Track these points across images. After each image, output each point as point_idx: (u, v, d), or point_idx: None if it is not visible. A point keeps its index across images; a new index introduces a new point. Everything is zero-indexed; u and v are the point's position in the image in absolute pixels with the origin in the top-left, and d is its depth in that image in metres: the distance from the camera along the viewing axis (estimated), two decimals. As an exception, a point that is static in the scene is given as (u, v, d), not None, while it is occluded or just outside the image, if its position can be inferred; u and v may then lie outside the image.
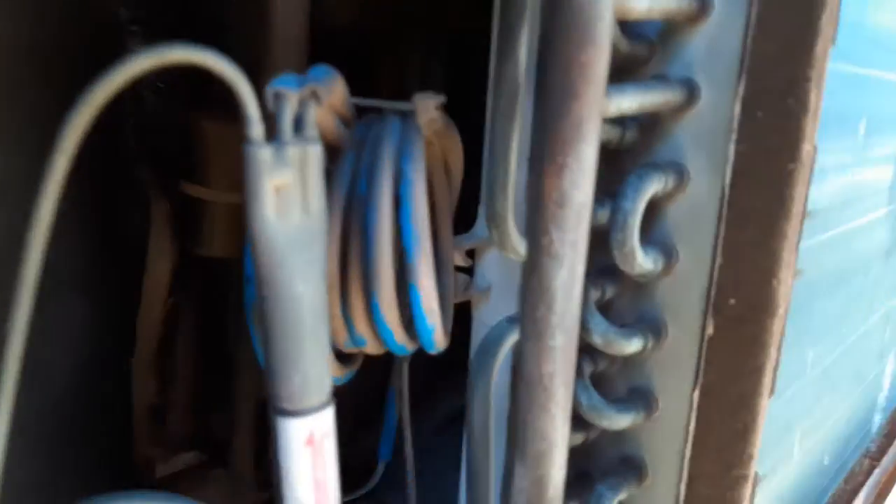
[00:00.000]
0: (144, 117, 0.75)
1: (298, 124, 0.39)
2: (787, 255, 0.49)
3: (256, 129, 0.37)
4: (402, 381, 0.68)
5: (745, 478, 0.56)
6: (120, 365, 0.83)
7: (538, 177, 0.44)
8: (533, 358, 0.46)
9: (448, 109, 0.53)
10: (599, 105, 0.43)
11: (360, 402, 1.00)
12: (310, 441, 0.41)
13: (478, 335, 0.78)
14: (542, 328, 0.45)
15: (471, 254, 0.74)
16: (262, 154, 0.37)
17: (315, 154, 0.39)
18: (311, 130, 0.39)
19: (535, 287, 0.45)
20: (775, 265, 0.49)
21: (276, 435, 0.42)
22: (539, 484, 0.46)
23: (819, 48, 0.46)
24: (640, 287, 0.58)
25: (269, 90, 0.39)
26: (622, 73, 0.56)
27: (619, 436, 0.63)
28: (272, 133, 0.38)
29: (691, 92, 0.53)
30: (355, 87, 0.49)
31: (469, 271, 0.74)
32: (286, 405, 0.41)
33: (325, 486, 0.42)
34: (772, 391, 0.53)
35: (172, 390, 0.94)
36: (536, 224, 0.44)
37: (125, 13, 0.72)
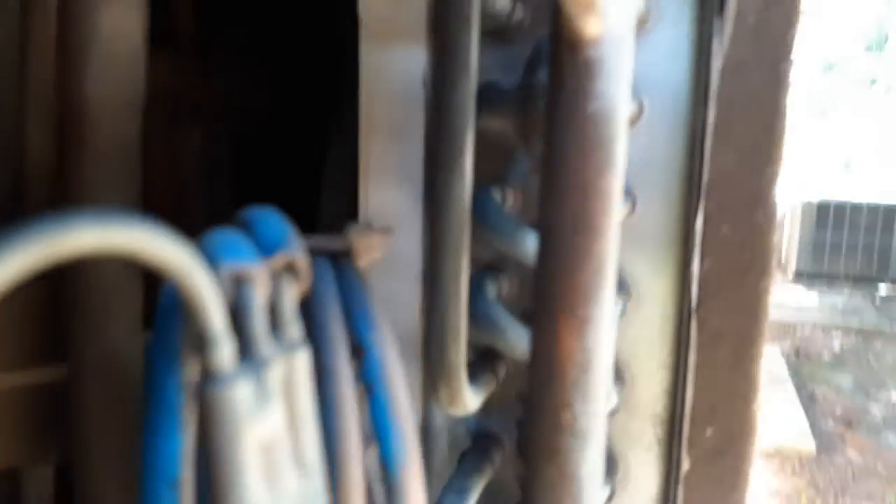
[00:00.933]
0: None
1: (273, 320, 0.24)
2: (760, 376, 0.46)
3: (224, 353, 0.21)
4: None
5: None
6: None
7: (550, 335, 0.33)
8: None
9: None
10: (617, 240, 0.35)
11: None
12: None
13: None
14: None
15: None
16: (238, 393, 0.22)
17: (303, 366, 0.25)
18: (293, 327, 0.25)
19: (554, 479, 0.34)
20: (753, 389, 0.46)
21: None
22: None
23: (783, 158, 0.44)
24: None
25: (223, 273, 0.24)
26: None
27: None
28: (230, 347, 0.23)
29: (631, 200, 0.48)
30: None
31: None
32: None
33: None
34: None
35: None
36: (552, 396, 0.34)
37: None
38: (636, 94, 0.47)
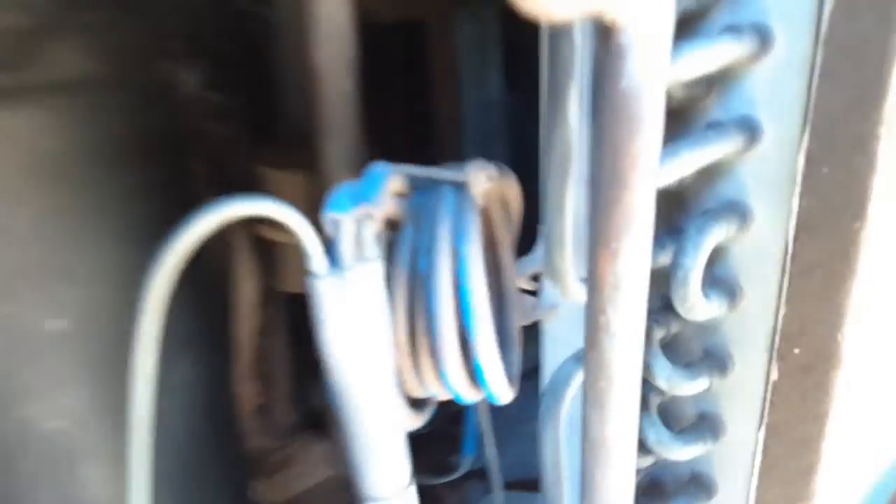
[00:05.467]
0: (211, 155, 0.79)
1: (358, 244, 0.41)
2: (853, 310, 0.48)
3: (318, 263, 0.39)
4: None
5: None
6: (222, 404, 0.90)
7: (594, 261, 0.44)
8: (596, 423, 0.48)
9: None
10: (652, 192, 0.43)
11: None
12: (394, 522, 0.45)
13: (548, 350, 0.80)
14: (603, 399, 0.47)
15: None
16: (325, 285, 0.39)
17: (375, 271, 0.42)
18: (370, 250, 0.41)
19: (594, 361, 0.47)
20: (839, 319, 0.49)
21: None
22: (606, 539, 0.49)
23: (890, 103, 0.44)
24: (705, 324, 0.59)
25: (326, 218, 0.41)
26: (677, 115, 0.55)
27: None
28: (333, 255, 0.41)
29: (753, 133, 0.51)
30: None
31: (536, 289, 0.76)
32: (369, 493, 0.45)
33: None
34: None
35: (274, 388, 1.02)
36: (594, 304, 0.46)
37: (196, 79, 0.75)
38: (762, 28, 0.49)
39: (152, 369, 0.40)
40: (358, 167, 0.72)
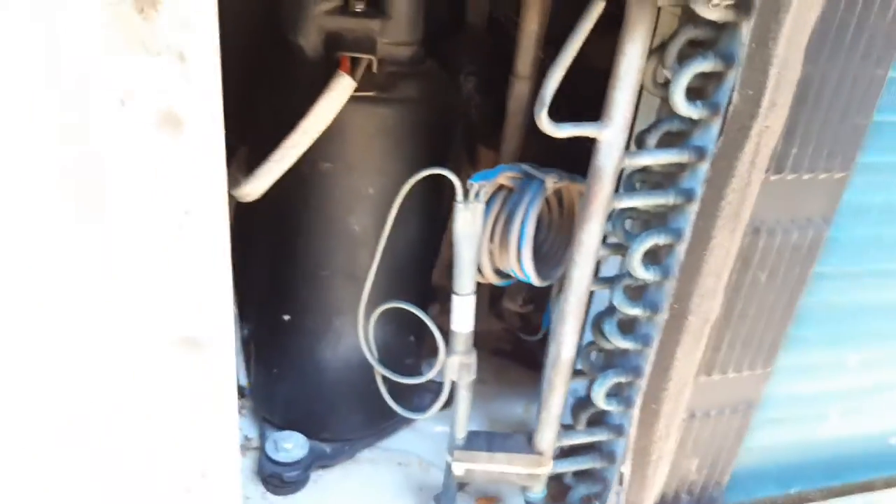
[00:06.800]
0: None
1: (476, 194, 1.04)
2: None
3: (460, 198, 1.02)
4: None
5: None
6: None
7: None
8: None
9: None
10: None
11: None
12: (462, 310, 1.09)
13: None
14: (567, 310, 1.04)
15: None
16: (461, 208, 1.02)
17: (481, 208, 1.04)
18: (481, 198, 1.04)
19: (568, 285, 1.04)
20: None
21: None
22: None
23: None
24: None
25: (473, 181, 1.03)
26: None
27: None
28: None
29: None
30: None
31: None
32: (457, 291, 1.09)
33: (466, 328, 1.11)
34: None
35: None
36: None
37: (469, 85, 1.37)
38: None
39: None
40: (515, 158, 1.32)
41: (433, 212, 1.32)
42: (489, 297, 1.60)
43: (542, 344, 1.17)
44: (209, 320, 0.79)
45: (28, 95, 0.62)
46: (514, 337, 1.66)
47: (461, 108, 1.37)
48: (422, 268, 1.43)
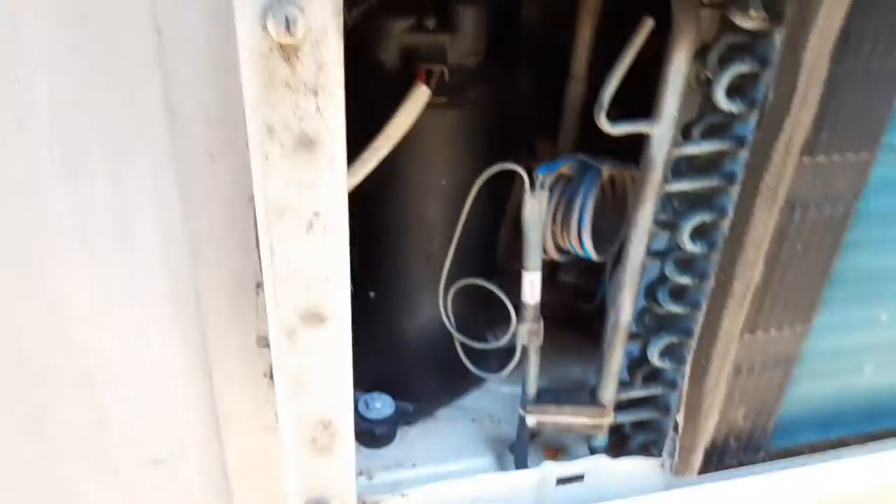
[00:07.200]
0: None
1: (541, 184, 1.20)
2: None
3: (528, 188, 1.19)
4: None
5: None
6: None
7: None
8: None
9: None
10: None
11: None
12: (531, 284, 1.26)
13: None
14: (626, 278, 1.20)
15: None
16: (528, 197, 1.19)
17: (546, 196, 1.20)
18: (545, 186, 1.20)
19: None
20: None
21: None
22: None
23: None
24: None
25: (539, 172, 1.20)
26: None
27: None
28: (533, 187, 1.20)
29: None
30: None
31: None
32: (526, 267, 1.25)
33: (535, 299, 1.28)
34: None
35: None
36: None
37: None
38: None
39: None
40: (572, 149, 1.47)
41: (495, 199, 1.48)
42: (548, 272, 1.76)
43: (597, 312, 1.33)
44: (332, 298, 0.98)
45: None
46: (569, 307, 1.82)
47: (520, 105, 1.52)
48: (486, 248, 1.59)
